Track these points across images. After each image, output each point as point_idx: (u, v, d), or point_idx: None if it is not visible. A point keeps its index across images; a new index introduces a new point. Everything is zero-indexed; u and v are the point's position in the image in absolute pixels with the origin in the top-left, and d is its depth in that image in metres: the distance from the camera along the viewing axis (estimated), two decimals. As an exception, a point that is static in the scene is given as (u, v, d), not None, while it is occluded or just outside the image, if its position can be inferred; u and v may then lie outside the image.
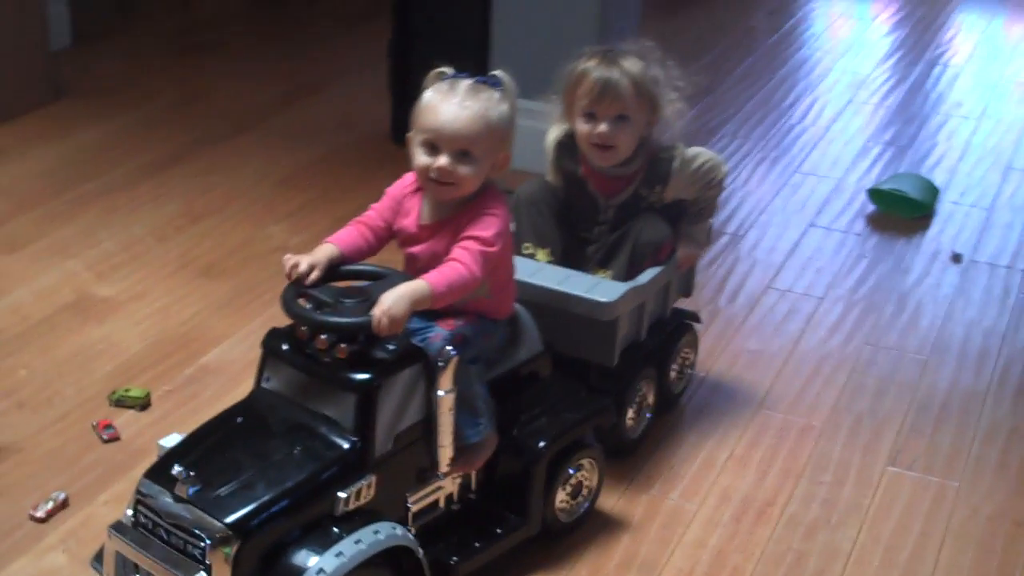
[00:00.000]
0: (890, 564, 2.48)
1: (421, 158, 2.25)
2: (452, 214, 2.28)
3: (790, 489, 2.67)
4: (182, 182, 3.98)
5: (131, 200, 3.84)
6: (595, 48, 2.67)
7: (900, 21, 5.99)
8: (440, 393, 2.20)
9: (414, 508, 2.24)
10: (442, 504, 2.30)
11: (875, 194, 3.98)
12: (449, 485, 2.30)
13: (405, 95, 4.30)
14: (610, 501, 2.60)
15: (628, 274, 2.65)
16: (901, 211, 3.93)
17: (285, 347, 2.21)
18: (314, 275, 2.22)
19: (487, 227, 2.23)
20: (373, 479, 2.13)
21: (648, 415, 2.78)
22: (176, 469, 2.02)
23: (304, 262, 2.22)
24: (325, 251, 2.27)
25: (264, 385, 2.24)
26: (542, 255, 2.69)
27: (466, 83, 2.26)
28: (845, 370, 3.12)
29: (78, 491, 2.56)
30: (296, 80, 4.91)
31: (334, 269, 2.26)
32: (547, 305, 2.55)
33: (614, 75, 2.60)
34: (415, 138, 2.26)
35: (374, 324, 2.09)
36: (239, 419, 2.20)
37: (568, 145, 2.73)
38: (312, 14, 5.73)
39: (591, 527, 2.53)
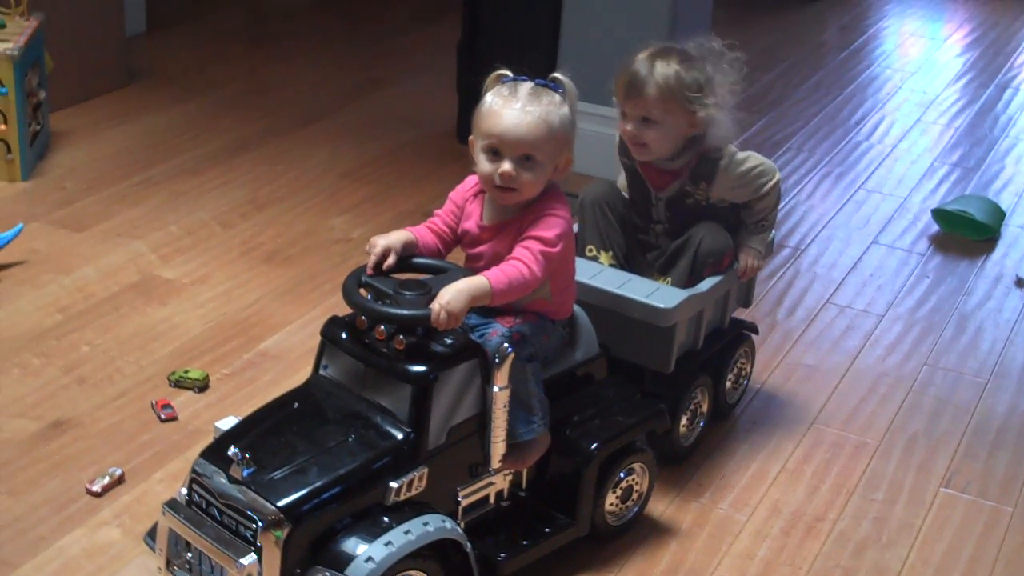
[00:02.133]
0: (939, 586, 2.46)
1: (484, 164, 2.24)
2: (515, 215, 2.28)
3: (841, 505, 2.66)
4: (249, 170, 4.02)
5: (198, 185, 3.89)
6: (651, 45, 2.63)
7: (972, 43, 5.94)
8: (495, 389, 2.19)
9: (464, 502, 2.24)
10: (492, 500, 2.31)
11: (940, 214, 3.94)
12: (500, 481, 2.30)
13: (472, 94, 4.31)
14: (660, 507, 2.60)
15: (688, 282, 2.64)
16: (966, 232, 3.90)
17: (344, 335, 2.22)
18: (390, 260, 2.23)
19: (549, 228, 2.23)
20: (425, 471, 2.13)
21: (701, 423, 2.77)
22: (232, 450, 2.05)
23: (380, 245, 2.24)
24: (401, 236, 2.27)
25: (322, 372, 2.26)
26: (605, 258, 2.68)
27: (527, 86, 2.24)
28: (902, 389, 3.09)
29: (134, 468, 2.59)
30: (365, 75, 4.95)
31: (407, 257, 2.27)
32: (606, 308, 2.54)
33: (640, 78, 2.55)
34: (477, 143, 2.25)
35: (432, 317, 2.10)
36: (296, 404, 2.22)
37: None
38: (383, 10, 5.77)
39: (639, 531, 2.52)
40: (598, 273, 2.61)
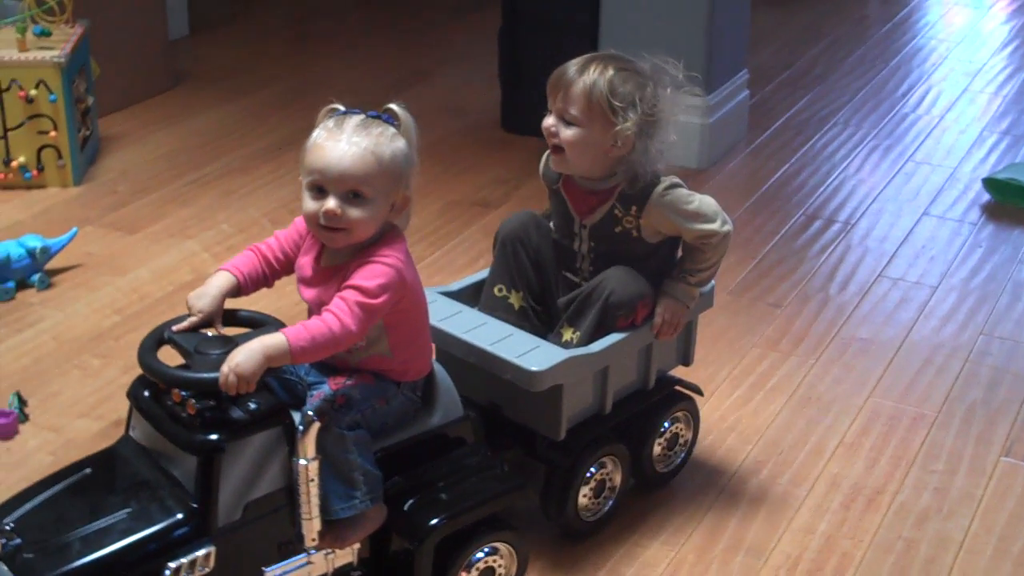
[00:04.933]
0: (1003, 555, 2.44)
1: (308, 203, 2.02)
2: (346, 260, 2.06)
3: (901, 477, 2.65)
4: (296, 167, 4.01)
5: (247, 183, 3.92)
6: (606, 53, 2.40)
7: (1017, 10, 5.87)
8: (302, 462, 1.97)
9: None
10: None
11: (990, 183, 3.91)
12: (320, 561, 2.07)
13: (515, 82, 4.34)
14: (719, 485, 2.60)
15: (596, 336, 2.34)
16: (1017, 201, 3.86)
17: (147, 396, 2.03)
18: (185, 324, 2.05)
19: (372, 276, 2.00)
20: (213, 550, 1.93)
21: (610, 500, 2.45)
22: (5, 519, 1.93)
23: (196, 310, 2.06)
24: (220, 285, 2.10)
25: (131, 433, 2.09)
26: (515, 299, 2.43)
27: (356, 119, 2.04)
28: (959, 360, 3.07)
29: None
30: (408, 67, 4.97)
31: (230, 310, 2.09)
32: (483, 367, 2.29)
33: (569, 74, 2.32)
34: (302, 181, 2.05)
35: (220, 381, 1.90)
36: (88, 470, 2.05)
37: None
38: (423, 3, 5.79)
39: (699, 509, 2.53)
40: (477, 326, 2.34)
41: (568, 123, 2.32)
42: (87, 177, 3.94)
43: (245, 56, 5.07)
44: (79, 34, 3.92)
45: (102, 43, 4.18)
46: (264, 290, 2.19)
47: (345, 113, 2.06)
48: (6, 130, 3.76)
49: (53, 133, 3.77)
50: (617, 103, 2.28)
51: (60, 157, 3.81)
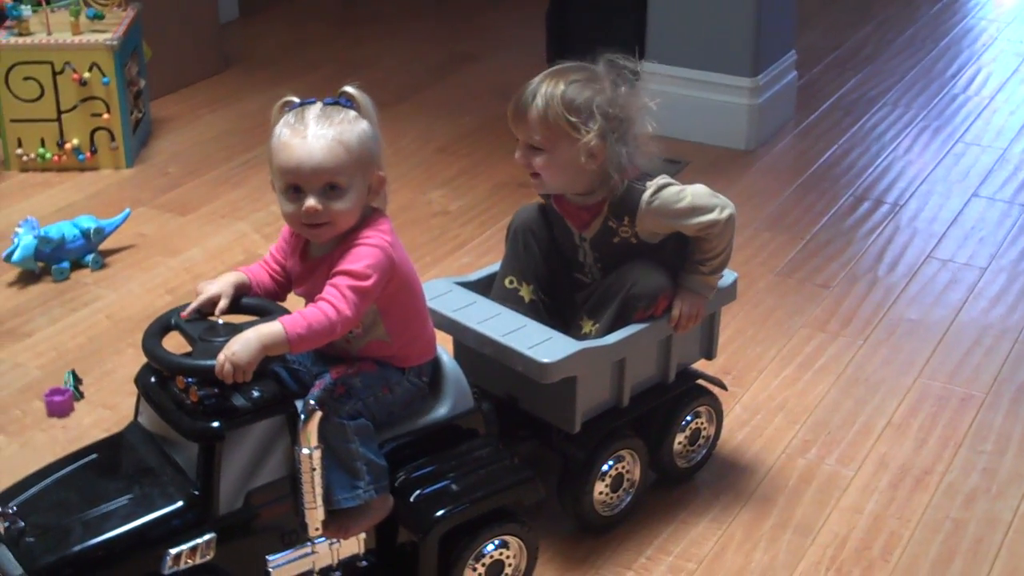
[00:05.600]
0: (1052, 535, 2.45)
1: (286, 205, 2.01)
2: (331, 249, 2.05)
3: (949, 457, 2.65)
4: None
5: (296, 165, 3.95)
6: (561, 65, 2.34)
7: (1070, -11, 5.80)
8: (304, 451, 1.97)
9: (275, 573, 2.02)
10: (316, 572, 2.08)
11: (1042, 164, 3.89)
12: (324, 550, 2.06)
13: (563, 62, 4.34)
14: (766, 464, 2.61)
15: (615, 328, 2.32)
16: (1069, 182, 3.84)
17: (153, 382, 2.04)
18: (221, 304, 2.06)
19: (359, 259, 1.99)
20: (214, 537, 1.94)
21: (629, 494, 2.42)
22: (9, 503, 1.94)
23: (207, 292, 2.07)
24: (231, 279, 2.10)
25: (139, 419, 2.10)
26: (526, 291, 2.42)
27: (315, 109, 2.02)
28: (1008, 341, 3.06)
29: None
30: (455, 49, 4.99)
31: (238, 299, 2.09)
32: (495, 358, 2.27)
33: (523, 100, 2.28)
34: (275, 184, 2.03)
35: (216, 369, 1.90)
36: (94, 455, 2.06)
37: None
38: (470, -15, 5.80)
39: (745, 489, 2.54)
40: (491, 317, 2.32)
41: (536, 149, 2.30)
42: (139, 159, 3.99)
43: (293, 39, 5.10)
44: (131, 17, 3.97)
45: (154, 26, 4.22)
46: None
47: (302, 104, 2.03)
48: (60, 112, 3.81)
49: (106, 115, 3.82)
50: (574, 119, 2.24)
51: (113, 139, 3.86)
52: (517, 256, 2.43)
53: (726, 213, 2.31)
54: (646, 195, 2.30)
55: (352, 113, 2.02)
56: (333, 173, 1.98)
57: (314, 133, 1.98)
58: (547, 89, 2.26)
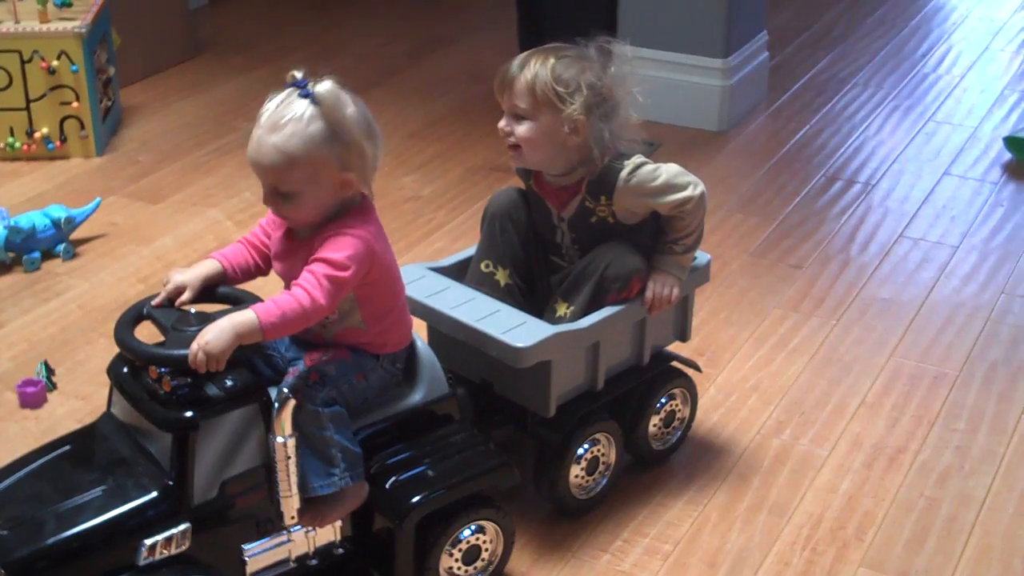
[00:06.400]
0: (1025, 511, 2.46)
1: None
2: (310, 235, 2.04)
3: (922, 436, 2.66)
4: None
5: (268, 152, 3.93)
6: (534, 48, 2.38)
7: (1040, -33, 5.82)
8: (278, 439, 1.97)
9: (252, 561, 2.02)
10: (292, 560, 2.07)
11: (1011, 142, 3.90)
12: (300, 538, 2.07)
13: (535, 47, 4.34)
14: (740, 445, 2.62)
15: (590, 310, 2.33)
16: (1039, 159, 3.86)
17: (125, 372, 2.03)
18: (184, 296, 2.05)
19: (338, 248, 1.97)
20: (189, 527, 1.93)
21: (604, 478, 2.43)
22: None
23: (174, 281, 2.07)
24: (204, 268, 2.09)
25: (112, 410, 2.09)
26: (502, 276, 2.42)
27: (272, 108, 1.98)
28: (980, 319, 3.08)
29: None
30: (426, 34, 4.97)
31: (211, 288, 2.09)
32: (469, 343, 2.27)
33: (512, 71, 2.31)
34: None
35: (190, 358, 1.89)
36: (67, 447, 2.05)
37: None
38: (441, -31, 5.78)
39: (721, 470, 2.55)
40: (465, 302, 2.32)
41: (520, 118, 2.31)
42: (109, 147, 3.97)
43: (265, 24, 5.08)
44: (100, 4, 3.94)
45: (123, 13, 4.19)
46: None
47: (292, 86, 1.99)
48: (29, 101, 3.79)
49: (75, 104, 3.80)
50: (561, 89, 2.27)
51: (82, 128, 3.84)
52: (493, 240, 2.44)
53: (699, 191, 2.34)
54: (623, 173, 2.32)
55: (309, 112, 1.96)
56: (275, 179, 1.98)
57: (260, 137, 1.97)
58: (537, 61, 2.30)
